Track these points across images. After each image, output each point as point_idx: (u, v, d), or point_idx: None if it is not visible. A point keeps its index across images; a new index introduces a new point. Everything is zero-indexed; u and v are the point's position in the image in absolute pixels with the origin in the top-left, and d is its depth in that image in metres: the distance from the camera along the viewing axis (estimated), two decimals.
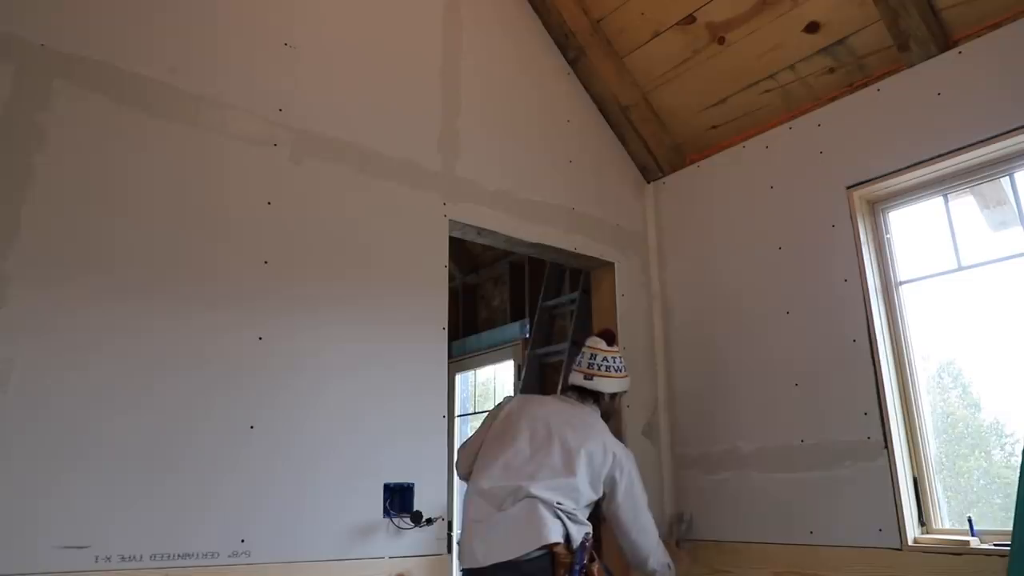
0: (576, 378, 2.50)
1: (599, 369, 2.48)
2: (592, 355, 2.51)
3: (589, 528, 2.21)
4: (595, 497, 2.28)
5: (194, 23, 2.26)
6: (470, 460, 2.39)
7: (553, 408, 2.40)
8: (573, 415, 2.38)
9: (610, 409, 2.53)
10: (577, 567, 2.06)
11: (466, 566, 2.14)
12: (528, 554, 2.05)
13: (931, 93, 2.51)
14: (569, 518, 2.14)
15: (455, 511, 3.90)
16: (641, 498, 2.35)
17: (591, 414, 2.42)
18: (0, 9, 1.92)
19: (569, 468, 2.21)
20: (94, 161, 1.98)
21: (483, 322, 5.07)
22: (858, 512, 2.45)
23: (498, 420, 2.40)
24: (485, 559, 2.07)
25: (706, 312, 3.15)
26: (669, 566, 2.41)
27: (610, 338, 2.59)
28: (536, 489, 2.13)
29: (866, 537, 2.41)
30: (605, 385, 2.48)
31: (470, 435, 2.52)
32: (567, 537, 2.11)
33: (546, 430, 2.29)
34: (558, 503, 2.14)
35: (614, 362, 2.51)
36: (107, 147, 2.01)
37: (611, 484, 2.30)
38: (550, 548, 2.05)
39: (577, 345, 3.05)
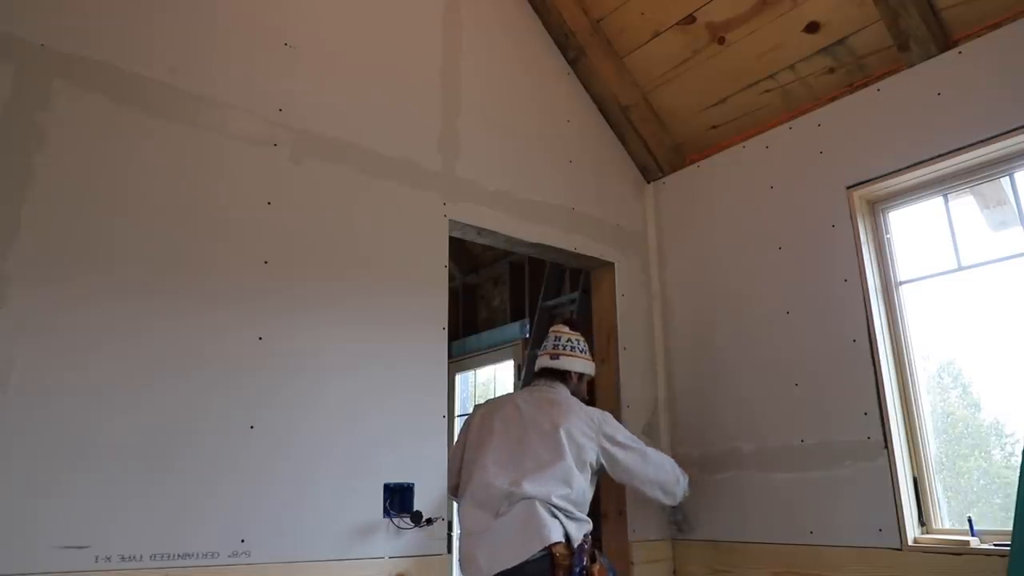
0: (543, 360, 2.55)
1: (564, 349, 2.54)
2: (556, 337, 2.58)
3: (589, 526, 2.21)
4: (590, 473, 2.30)
5: (194, 23, 2.26)
6: (454, 475, 2.41)
7: (521, 400, 2.42)
8: (542, 400, 2.40)
9: (577, 391, 2.55)
10: (576, 569, 2.06)
11: None
12: (531, 556, 2.05)
13: (931, 93, 2.51)
14: (567, 516, 2.14)
15: (455, 511, 3.90)
16: (639, 451, 2.42)
17: (559, 393, 2.44)
18: (0, 9, 1.92)
19: (555, 453, 2.22)
20: (94, 161, 1.98)
21: (483, 322, 5.07)
22: (858, 512, 2.45)
23: (472, 430, 2.42)
24: (489, 568, 2.07)
25: (706, 312, 3.15)
26: (685, 482, 2.60)
27: (572, 324, 2.66)
28: (529, 488, 2.13)
29: (866, 537, 2.41)
30: (571, 364, 2.53)
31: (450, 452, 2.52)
32: (567, 537, 2.11)
33: (520, 424, 2.31)
34: (555, 499, 2.13)
35: (578, 344, 2.58)
36: (107, 147, 2.01)
37: (607, 456, 2.34)
38: (550, 549, 2.05)
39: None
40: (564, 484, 2.18)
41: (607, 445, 2.35)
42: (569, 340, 2.57)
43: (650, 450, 2.50)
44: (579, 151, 3.31)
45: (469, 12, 3.05)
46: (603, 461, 2.35)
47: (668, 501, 2.57)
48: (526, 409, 2.35)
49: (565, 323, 2.67)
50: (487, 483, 2.19)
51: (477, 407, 2.53)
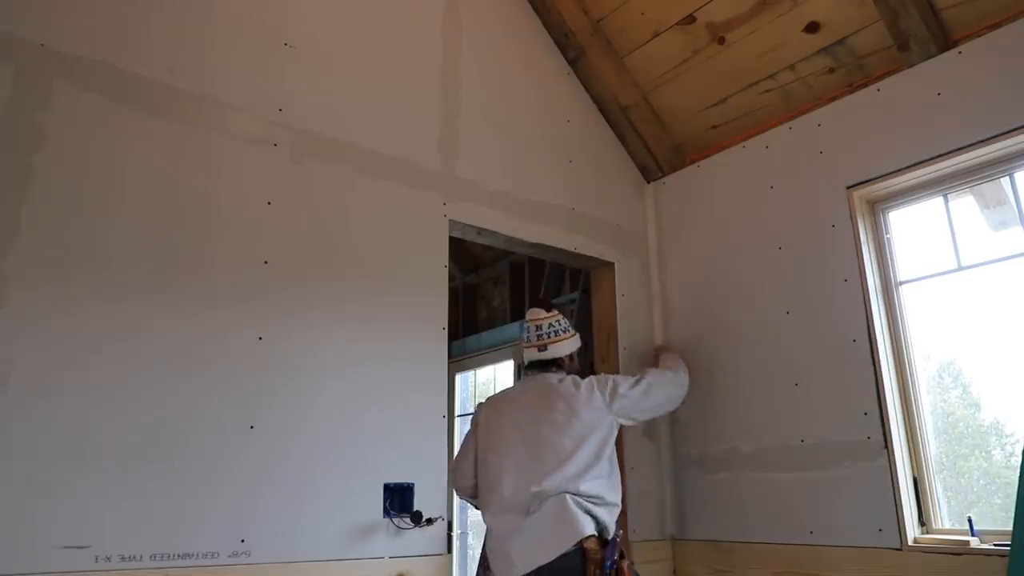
0: (531, 354, 2.51)
1: (548, 336, 2.51)
2: (537, 326, 2.53)
3: (618, 509, 2.23)
4: (612, 442, 2.34)
5: (193, 23, 2.26)
6: (469, 476, 2.41)
7: (524, 395, 2.41)
8: (543, 390, 2.38)
9: (571, 370, 2.54)
10: (608, 563, 2.06)
11: None
12: (566, 550, 2.05)
13: (931, 93, 2.51)
14: (595, 503, 2.15)
15: (455, 511, 3.90)
16: (642, 389, 2.49)
17: (556, 378, 2.43)
18: (0, 9, 1.92)
19: (573, 441, 2.23)
20: (94, 161, 1.98)
21: (483, 322, 5.07)
22: (858, 512, 2.45)
23: (481, 431, 2.41)
24: (524, 565, 2.06)
25: (706, 312, 3.14)
26: (685, 376, 2.79)
27: (547, 305, 2.61)
28: (555, 484, 2.14)
29: (866, 537, 2.41)
30: (559, 349, 2.50)
31: (458, 452, 2.52)
32: (600, 525, 2.13)
33: (531, 421, 2.31)
34: (584, 488, 2.14)
35: (559, 324, 2.53)
36: (107, 147, 2.01)
37: (623, 414, 2.39)
38: (582, 544, 2.06)
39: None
40: (589, 468, 2.19)
41: (617, 406, 2.37)
42: (551, 325, 2.52)
43: (647, 379, 2.54)
44: (579, 151, 3.30)
45: (469, 12, 3.05)
46: (621, 421, 2.39)
47: (680, 403, 2.75)
48: (532, 404, 2.34)
49: (540, 305, 2.60)
50: (512, 487, 2.19)
51: (481, 405, 2.51)
